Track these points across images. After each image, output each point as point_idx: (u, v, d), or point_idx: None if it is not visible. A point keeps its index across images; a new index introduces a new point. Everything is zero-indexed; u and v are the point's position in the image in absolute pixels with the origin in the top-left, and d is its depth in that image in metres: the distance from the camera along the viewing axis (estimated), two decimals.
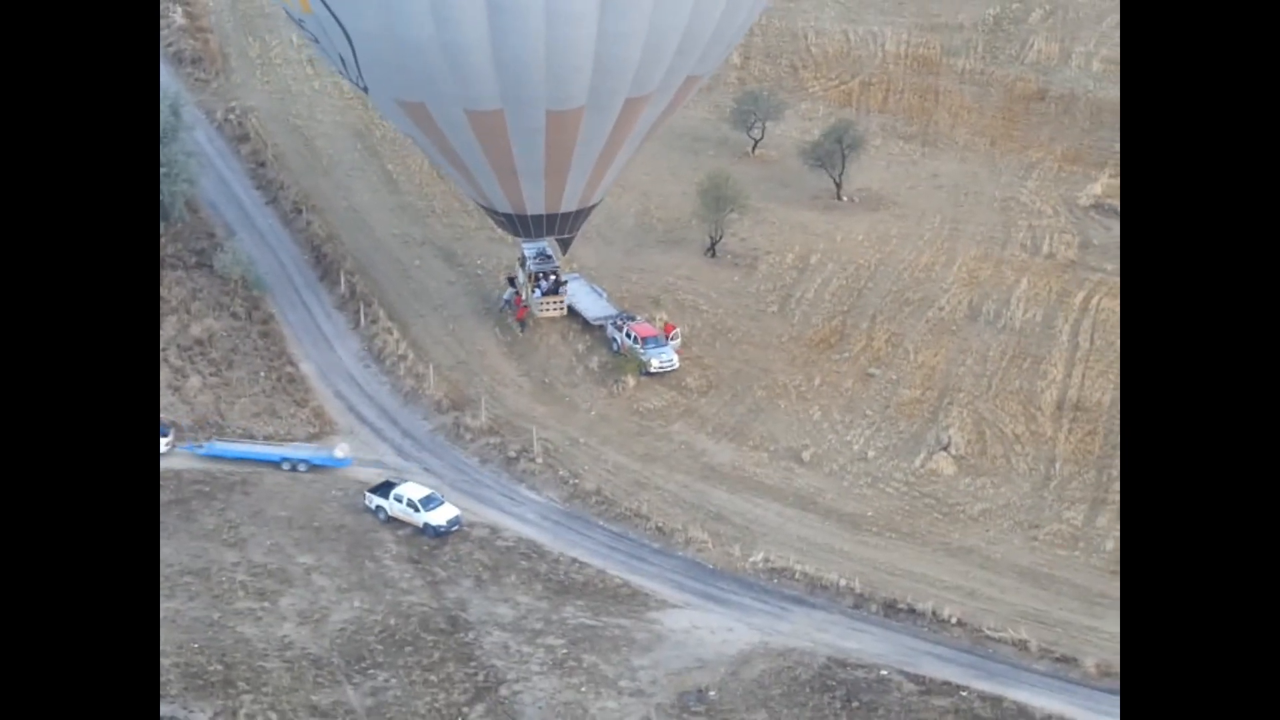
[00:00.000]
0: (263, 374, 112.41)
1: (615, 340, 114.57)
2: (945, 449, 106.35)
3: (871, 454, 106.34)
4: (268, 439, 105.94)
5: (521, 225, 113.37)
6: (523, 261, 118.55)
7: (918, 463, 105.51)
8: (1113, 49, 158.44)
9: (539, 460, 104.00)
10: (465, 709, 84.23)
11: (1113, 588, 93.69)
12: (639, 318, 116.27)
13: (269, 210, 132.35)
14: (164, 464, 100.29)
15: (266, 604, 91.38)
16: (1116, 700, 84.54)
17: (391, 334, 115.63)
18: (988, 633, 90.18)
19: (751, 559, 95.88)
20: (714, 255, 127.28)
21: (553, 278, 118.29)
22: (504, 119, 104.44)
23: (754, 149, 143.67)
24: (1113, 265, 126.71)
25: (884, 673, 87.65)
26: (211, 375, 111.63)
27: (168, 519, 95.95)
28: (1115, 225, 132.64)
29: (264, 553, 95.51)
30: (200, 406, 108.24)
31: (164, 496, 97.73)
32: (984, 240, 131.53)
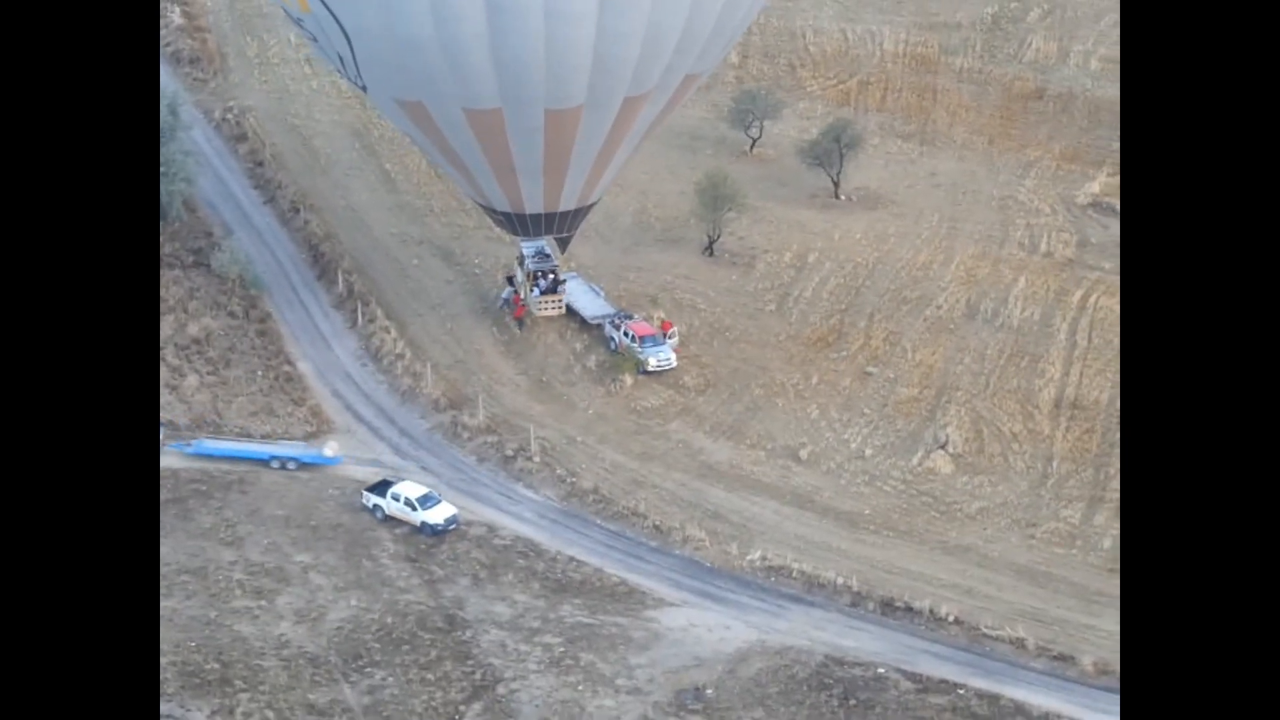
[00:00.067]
0: (260, 373, 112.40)
1: (613, 339, 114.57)
2: (943, 447, 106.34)
3: (869, 452, 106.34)
4: (262, 437, 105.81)
5: (520, 224, 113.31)
6: (521, 260, 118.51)
7: (915, 461, 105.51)
8: (1111, 48, 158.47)
9: (536, 459, 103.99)
10: (462, 707, 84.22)
11: (1110, 586, 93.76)
12: (637, 316, 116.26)
13: (267, 209, 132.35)
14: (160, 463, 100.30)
15: (264, 602, 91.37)
16: (1114, 698, 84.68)
17: (389, 333, 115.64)
18: (985, 631, 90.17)
19: (749, 557, 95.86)
20: (712, 254, 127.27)
21: (551, 276, 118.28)
22: (502, 117, 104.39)
23: (752, 148, 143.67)
24: (1110, 264, 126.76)
25: (881, 671, 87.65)
26: (209, 374, 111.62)
27: (165, 518, 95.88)
28: (1113, 224, 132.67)
29: (261, 551, 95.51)
30: (198, 405, 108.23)
31: (161, 495, 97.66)
32: (982, 239, 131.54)
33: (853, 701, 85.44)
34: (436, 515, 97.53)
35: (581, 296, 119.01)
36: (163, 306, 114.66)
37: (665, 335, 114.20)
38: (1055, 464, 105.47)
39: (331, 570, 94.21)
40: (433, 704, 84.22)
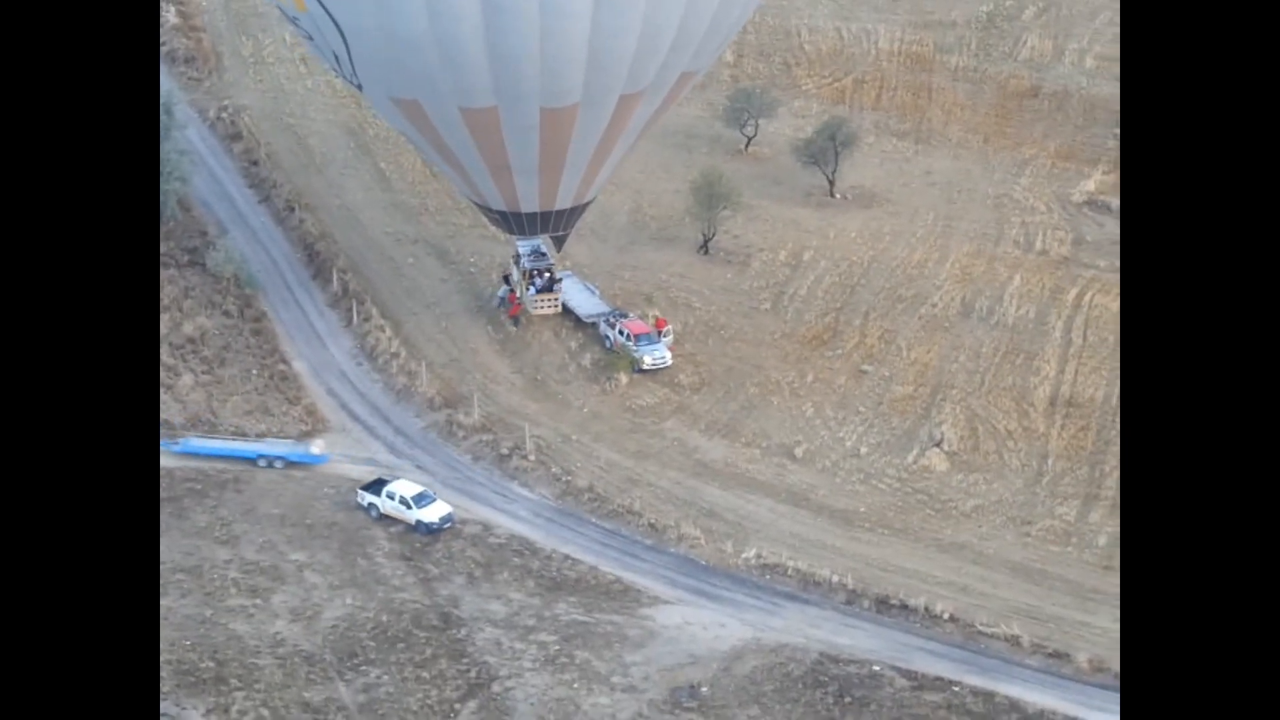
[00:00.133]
0: (255, 372, 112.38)
1: (608, 338, 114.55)
2: (938, 445, 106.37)
3: (864, 450, 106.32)
4: (257, 435, 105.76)
5: (516, 223, 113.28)
6: (517, 259, 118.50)
7: (910, 459, 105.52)
8: (1106, 45, 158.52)
9: (531, 457, 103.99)
10: (457, 705, 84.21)
11: (1105, 583, 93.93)
12: (631, 315, 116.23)
13: (261, 208, 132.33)
14: None
15: (259, 601, 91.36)
16: (1109, 695, 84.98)
17: (384, 332, 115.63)
18: (980, 628, 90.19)
19: (744, 555, 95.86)
20: (707, 252, 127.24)
21: (547, 275, 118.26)
22: (498, 116, 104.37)
23: (747, 146, 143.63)
24: (1105, 261, 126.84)
25: (876, 668, 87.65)
26: (204, 373, 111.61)
27: (160, 517, 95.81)
28: (1108, 221, 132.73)
29: (256, 550, 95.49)
30: (192, 404, 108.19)
31: None
32: (977, 237, 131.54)
33: (848, 699, 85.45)
34: (431, 514, 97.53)
35: (576, 295, 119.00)
36: None
37: (660, 333, 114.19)
38: (1050, 462, 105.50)
39: (326, 569, 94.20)
40: (428, 702, 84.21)
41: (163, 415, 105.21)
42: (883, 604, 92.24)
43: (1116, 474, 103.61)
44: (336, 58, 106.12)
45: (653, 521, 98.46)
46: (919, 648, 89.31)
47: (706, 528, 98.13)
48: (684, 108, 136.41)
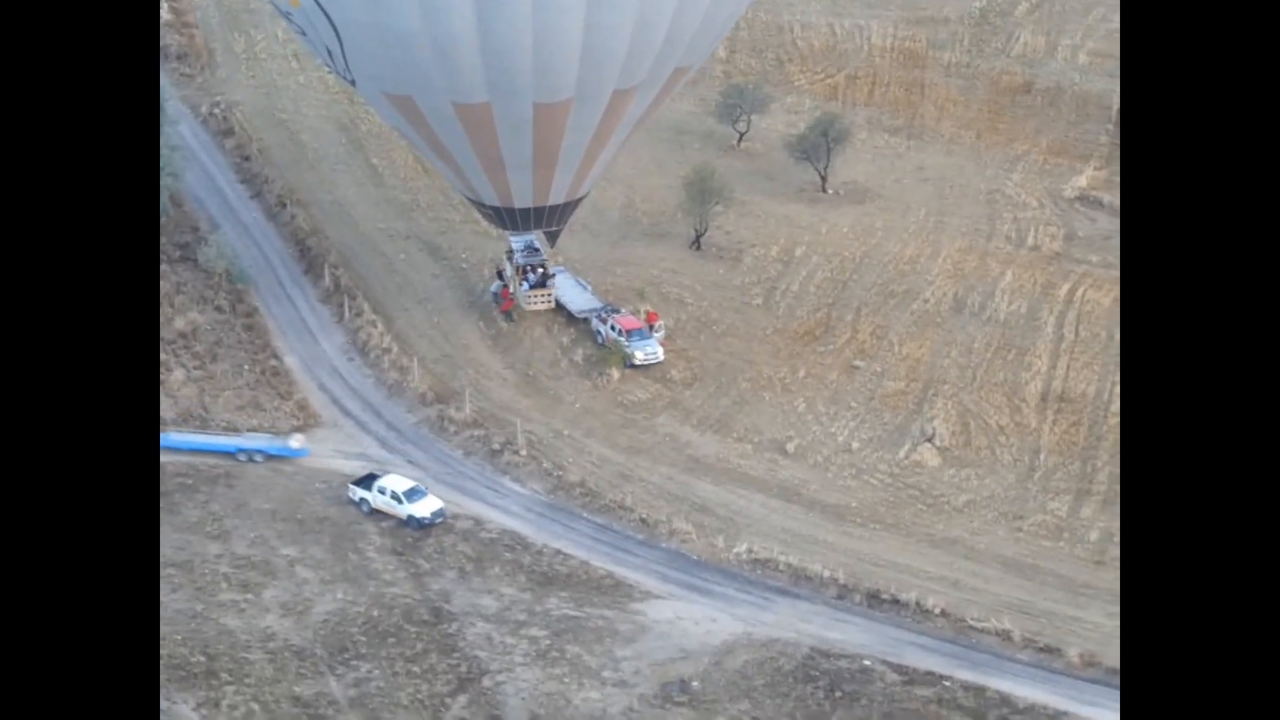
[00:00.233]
0: (247, 367, 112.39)
1: (600, 333, 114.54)
2: (930, 440, 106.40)
3: (856, 445, 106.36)
4: (224, 428, 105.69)
5: (509, 218, 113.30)
6: (510, 254, 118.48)
7: (902, 454, 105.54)
8: (1099, 41, 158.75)
9: (523, 453, 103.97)
10: (448, 700, 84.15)
11: (1096, 578, 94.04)
12: (624, 310, 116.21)
13: (254, 204, 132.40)
14: None
15: (250, 596, 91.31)
16: (1100, 690, 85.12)
17: (376, 327, 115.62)
18: (971, 623, 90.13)
19: (735, 550, 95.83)
20: (699, 248, 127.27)
21: (540, 270, 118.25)
22: (491, 111, 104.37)
23: (739, 142, 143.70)
24: (1097, 257, 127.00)
25: (867, 663, 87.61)
26: (196, 369, 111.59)
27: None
28: (1100, 217, 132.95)
29: (247, 545, 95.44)
30: (184, 400, 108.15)
31: None
32: (969, 232, 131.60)
33: (838, 693, 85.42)
34: (423, 509, 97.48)
35: (568, 290, 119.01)
36: None
37: (651, 327, 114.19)
38: (1042, 457, 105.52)
39: (318, 563, 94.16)
40: (418, 696, 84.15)
41: None
42: (874, 599, 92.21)
43: (1108, 469, 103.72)
44: (330, 53, 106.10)
45: (644, 516, 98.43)
46: (910, 642, 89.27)
47: (698, 523, 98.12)
48: (676, 103, 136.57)
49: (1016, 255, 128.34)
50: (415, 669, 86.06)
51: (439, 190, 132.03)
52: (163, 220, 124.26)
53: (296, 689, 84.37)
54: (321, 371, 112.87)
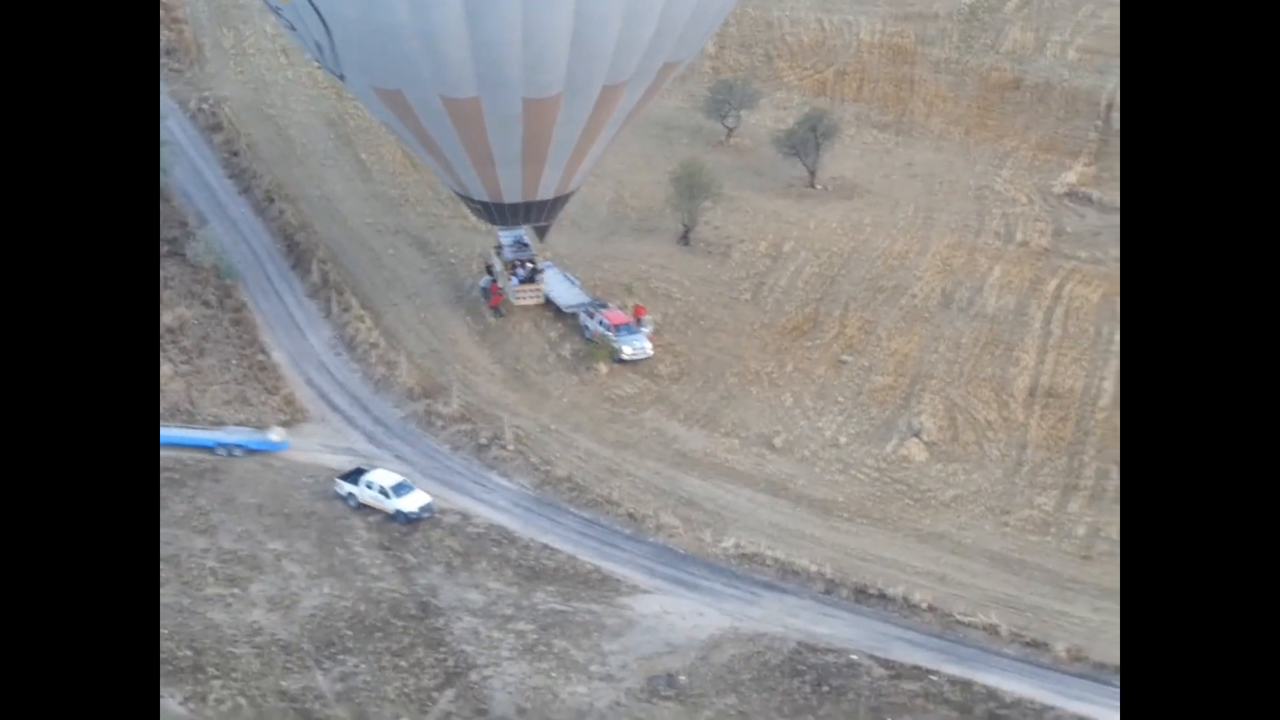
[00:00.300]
0: (234, 362, 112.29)
1: (588, 328, 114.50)
2: (917, 435, 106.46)
3: (843, 440, 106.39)
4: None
5: (499, 213, 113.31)
6: (499, 249, 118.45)
7: (889, 449, 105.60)
8: (1088, 38, 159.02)
9: (510, 447, 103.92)
10: (435, 694, 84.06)
11: (1083, 573, 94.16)
12: (611, 305, 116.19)
13: (242, 199, 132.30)
14: None
15: (236, 590, 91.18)
16: (1086, 684, 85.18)
17: (363, 322, 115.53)
18: (958, 617, 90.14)
19: (722, 544, 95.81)
20: (687, 243, 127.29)
21: (529, 265, 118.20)
22: (480, 106, 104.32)
23: (728, 138, 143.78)
24: (1086, 253, 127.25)
25: (854, 657, 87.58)
26: (183, 363, 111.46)
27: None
28: (1088, 213, 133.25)
29: (234, 539, 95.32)
30: (171, 394, 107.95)
31: None
32: (958, 228, 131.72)
33: (825, 688, 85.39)
34: (410, 503, 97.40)
35: (557, 285, 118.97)
36: None
37: (639, 320, 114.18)
38: (1029, 452, 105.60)
39: (304, 558, 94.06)
40: (405, 691, 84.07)
41: None
42: (861, 593, 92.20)
43: (1095, 464, 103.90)
44: (320, 48, 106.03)
45: (631, 511, 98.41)
46: (897, 637, 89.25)
47: (685, 517, 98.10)
48: (665, 99, 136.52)
49: (1005, 251, 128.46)
50: (402, 663, 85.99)
51: (427, 185, 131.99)
52: None
53: (283, 683, 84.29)
54: (309, 366, 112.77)
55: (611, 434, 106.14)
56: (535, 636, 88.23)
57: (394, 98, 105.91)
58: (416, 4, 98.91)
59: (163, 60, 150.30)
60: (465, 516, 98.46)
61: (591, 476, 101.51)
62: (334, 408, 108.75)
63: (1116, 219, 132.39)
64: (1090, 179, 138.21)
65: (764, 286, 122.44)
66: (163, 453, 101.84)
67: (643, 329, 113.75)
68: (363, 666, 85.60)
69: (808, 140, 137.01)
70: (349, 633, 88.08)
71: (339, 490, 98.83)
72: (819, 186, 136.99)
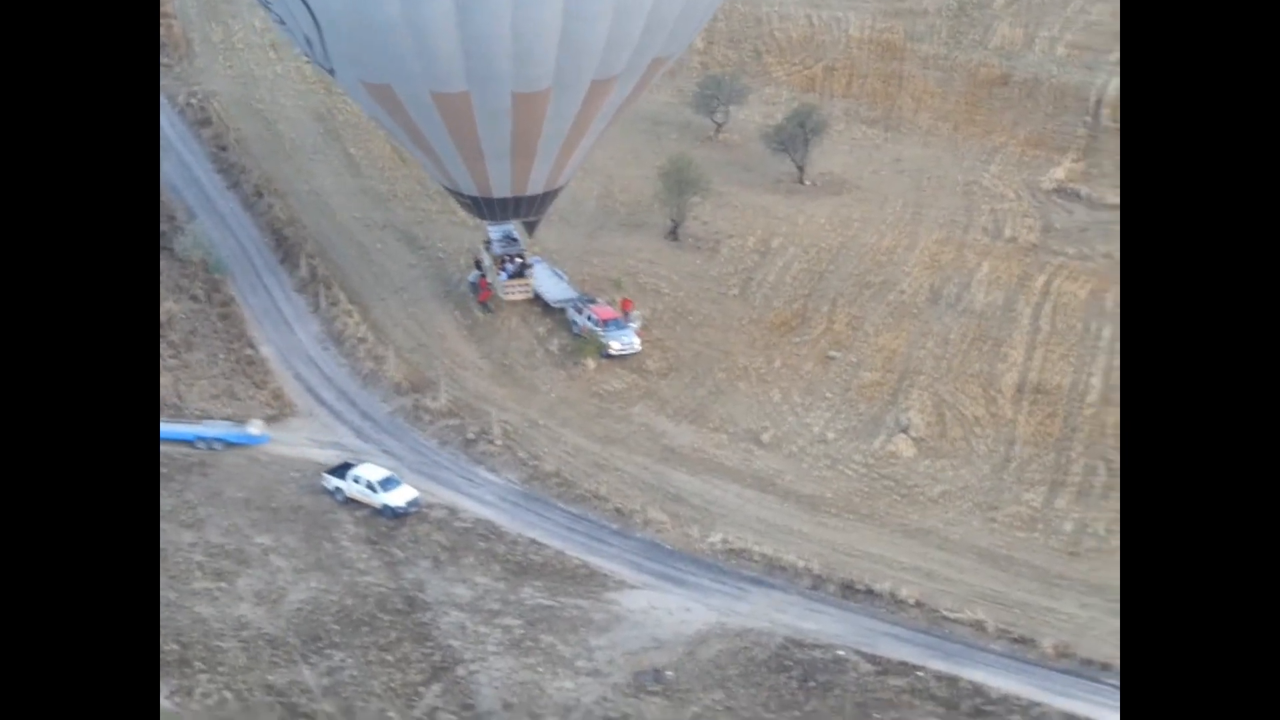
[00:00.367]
0: (222, 356, 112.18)
1: (576, 323, 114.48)
2: (905, 431, 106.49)
3: (831, 436, 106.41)
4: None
5: (488, 208, 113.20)
6: (488, 244, 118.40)
7: (877, 445, 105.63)
8: (1077, 34, 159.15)
9: (498, 442, 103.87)
10: (421, 689, 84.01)
11: (1070, 569, 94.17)
12: (600, 300, 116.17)
13: (230, 194, 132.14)
14: None
15: (223, 584, 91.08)
16: (1073, 681, 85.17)
17: (351, 317, 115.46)
18: (945, 613, 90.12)
19: (710, 540, 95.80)
20: (676, 239, 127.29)
21: (518, 260, 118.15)
22: (470, 101, 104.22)
23: (717, 133, 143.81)
24: (1074, 249, 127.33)
25: (841, 653, 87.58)
26: (171, 357, 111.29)
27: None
28: (1077, 209, 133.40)
29: (221, 533, 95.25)
30: (160, 388, 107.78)
31: None
32: (946, 224, 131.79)
33: (812, 683, 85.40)
34: (397, 498, 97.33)
35: (545, 280, 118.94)
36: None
37: (626, 315, 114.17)
38: (1017, 448, 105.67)
39: (291, 552, 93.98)
40: (392, 685, 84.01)
41: None
42: (848, 589, 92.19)
43: (1083, 460, 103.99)
44: (309, 42, 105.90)
45: (619, 506, 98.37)
46: (884, 633, 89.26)
47: (673, 512, 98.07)
48: (654, 94, 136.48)
49: (993, 247, 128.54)
50: (389, 658, 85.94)
51: (416, 180, 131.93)
52: None
53: (270, 678, 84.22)
54: (297, 361, 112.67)
55: (599, 429, 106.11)
56: (522, 631, 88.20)
57: (383, 92, 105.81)
58: None
59: None
60: (452, 511, 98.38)
61: (579, 471, 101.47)
62: (322, 402, 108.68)
63: (1105, 215, 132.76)
64: (1079, 175, 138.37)
65: (752, 282, 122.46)
66: None
67: (631, 324, 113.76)
68: (349, 661, 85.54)
69: (796, 136, 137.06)
70: (336, 627, 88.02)
71: (326, 485, 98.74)
72: (807, 182, 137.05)
